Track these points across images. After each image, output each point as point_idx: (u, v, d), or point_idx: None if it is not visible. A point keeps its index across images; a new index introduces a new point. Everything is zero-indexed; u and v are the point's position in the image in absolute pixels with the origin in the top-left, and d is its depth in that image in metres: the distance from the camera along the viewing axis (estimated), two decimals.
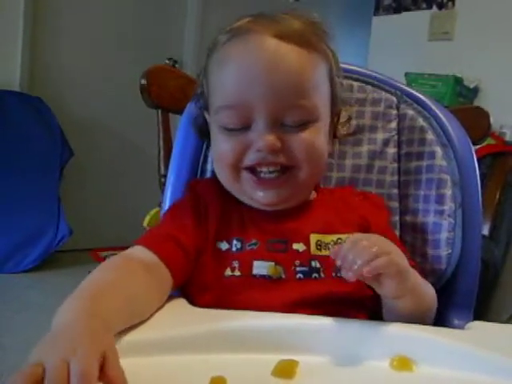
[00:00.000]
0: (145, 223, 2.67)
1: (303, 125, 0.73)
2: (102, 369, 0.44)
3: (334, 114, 0.80)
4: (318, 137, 0.74)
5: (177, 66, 3.71)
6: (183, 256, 0.71)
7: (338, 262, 0.62)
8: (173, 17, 3.70)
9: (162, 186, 1.04)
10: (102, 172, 3.50)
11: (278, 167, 0.73)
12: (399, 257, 0.64)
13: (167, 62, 3.66)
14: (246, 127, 0.72)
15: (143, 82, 1.03)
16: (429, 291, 0.75)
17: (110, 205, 3.54)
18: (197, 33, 3.73)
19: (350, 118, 0.85)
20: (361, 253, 0.60)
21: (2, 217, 2.90)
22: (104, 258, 2.59)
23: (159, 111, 1.07)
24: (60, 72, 3.28)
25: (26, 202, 2.96)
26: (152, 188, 3.41)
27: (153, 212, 2.70)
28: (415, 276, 0.69)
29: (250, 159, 0.72)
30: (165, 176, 1.04)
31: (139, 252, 0.69)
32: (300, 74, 0.72)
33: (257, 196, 0.74)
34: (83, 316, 0.51)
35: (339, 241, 0.76)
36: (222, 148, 0.75)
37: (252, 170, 0.73)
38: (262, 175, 0.73)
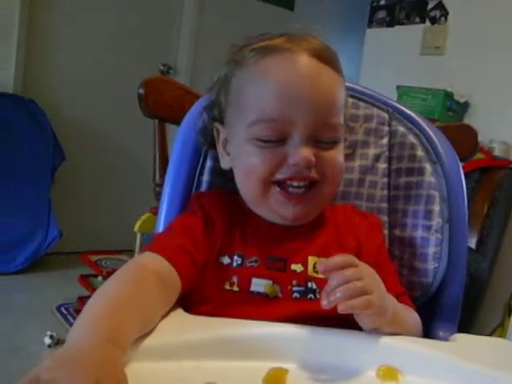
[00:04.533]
0: (136, 228, 2.69)
1: (332, 143, 0.75)
2: None
3: (345, 136, 0.82)
4: (340, 155, 0.77)
5: (171, 71, 3.73)
6: (194, 270, 0.72)
7: (322, 276, 0.63)
8: (168, 23, 3.72)
9: (157, 194, 1.06)
10: (93, 176, 3.50)
11: (307, 182, 0.74)
12: (379, 296, 0.64)
13: (161, 67, 3.68)
14: (281, 141, 0.73)
15: (141, 91, 1.04)
16: (410, 320, 0.76)
17: (101, 209, 3.55)
18: (192, 40, 3.75)
19: (345, 139, 0.86)
20: (345, 286, 0.61)
21: None
22: (94, 262, 2.59)
23: (156, 121, 1.08)
24: (54, 75, 3.28)
25: (16, 204, 2.96)
26: (143, 193, 3.43)
27: (144, 217, 2.71)
28: (395, 308, 0.70)
29: (282, 173, 0.73)
30: (160, 185, 1.06)
31: (155, 261, 0.68)
32: (334, 94, 0.75)
33: (284, 211, 0.75)
34: (102, 344, 0.50)
35: None
36: (253, 161, 0.74)
37: (280, 184, 0.74)
38: (291, 190, 0.74)
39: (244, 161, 0.76)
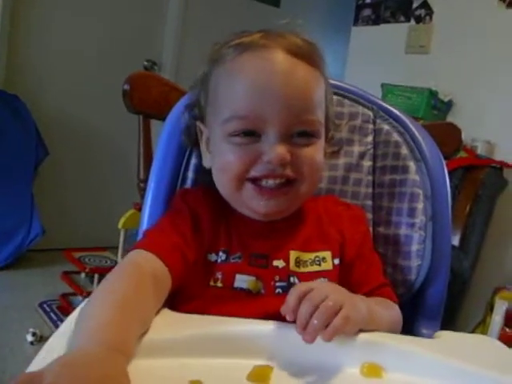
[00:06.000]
0: (120, 225, 2.68)
1: (308, 140, 0.74)
2: None
3: (327, 133, 0.82)
4: (319, 153, 0.77)
5: (155, 67, 3.71)
6: (185, 268, 0.71)
7: (289, 318, 0.62)
8: (153, 19, 3.70)
9: (141, 190, 1.05)
10: (77, 172, 3.48)
11: (284, 180, 0.73)
12: (351, 305, 0.63)
13: (146, 63, 3.66)
14: (255, 138, 0.72)
15: (126, 87, 1.03)
16: (387, 318, 0.75)
17: (85, 205, 3.52)
18: (177, 36, 3.73)
19: (332, 137, 0.86)
20: (316, 312, 0.60)
21: None
22: (78, 259, 2.58)
23: (140, 117, 1.07)
24: (37, 70, 3.25)
25: None
26: (127, 189, 3.42)
27: (128, 214, 2.70)
28: (369, 308, 0.69)
29: (257, 170, 0.73)
30: (144, 181, 1.05)
31: (149, 260, 0.68)
32: (309, 90, 0.74)
33: (256, 205, 0.75)
34: (109, 353, 0.50)
35: (316, 258, 0.78)
36: (228, 158, 0.74)
37: (254, 180, 0.74)
38: (264, 184, 0.73)
39: (220, 158, 0.76)
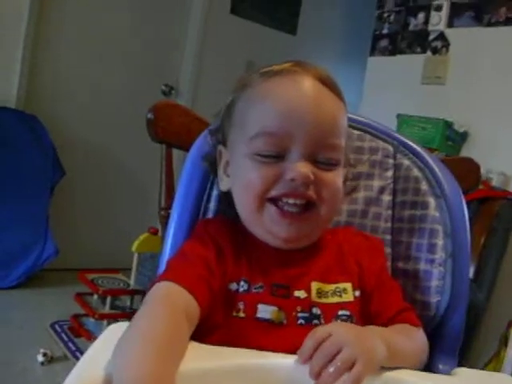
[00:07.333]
0: (133, 248, 2.69)
1: (331, 165, 0.75)
2: None
3: (345, 165, 0.82)
4: (339, 180, 0.77)
5: (173, 92, 3.75)
6: (211, 300, 0.71)
7: (303, 363, 0.62)
8: (172, 44, 3.75)
9: (162, 218, 1.07)
10: (92, 193, 3.51)
11: (304, 201, 0.73)
12: (364, 354, 0.61)
13: (163, 88, 3.71)
14: (279, 157, 0.73)
15: (150, 116, 1.05)
16: (410, 350, 0.74)
17: (99, 227, 3.55)
18: (194, 62, 3.78)
19: (346, 179, 0.86)
20: (329, 366, 0.59)
21: None
22: (91, 281, 2.58)
23: (163, 146, 1.09)
24: (56, 91, 3.30)
25: (13, 219, 2.96)
26: (142, 213, 3.46)
27: (142, 237, 2.72)
28: (390, 344, 0.68)
29: (279, 188, 0.73)
30: (165, 209, 1.06)
31: (180, 295, 0.67)
32: (336, 116, 0.76)
33: (277, 230, 0.75)
34: None
35: (337, 289, 0.78)
36: (250, 176, 0.74)
37: (275, 202, 0.74)
38: (286, 208, 0.73)
39: (242, 176, 0.77)
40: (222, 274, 0.75)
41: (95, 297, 2.61)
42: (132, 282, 2.70)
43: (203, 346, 0.65)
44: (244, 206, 0.78)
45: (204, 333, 0.70)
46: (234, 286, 0.76)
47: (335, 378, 0.59)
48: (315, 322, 0.74)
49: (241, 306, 0.74)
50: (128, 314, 2.48)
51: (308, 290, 0.76)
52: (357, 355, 0.60)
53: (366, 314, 0.79)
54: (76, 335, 2.49)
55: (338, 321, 0.75)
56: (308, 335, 0.63)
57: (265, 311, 0.73)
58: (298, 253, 0.79)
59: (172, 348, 0.58)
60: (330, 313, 0.75)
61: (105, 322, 2.47)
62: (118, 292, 2.62)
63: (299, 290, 0.76)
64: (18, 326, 2.52)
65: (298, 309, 0.75)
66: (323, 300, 0.76)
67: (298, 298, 0.76)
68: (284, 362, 0.64)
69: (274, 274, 0.77)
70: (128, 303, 2.62)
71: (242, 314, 0.73)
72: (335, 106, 0.77)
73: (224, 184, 0.84)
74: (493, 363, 2.24)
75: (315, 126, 0.73)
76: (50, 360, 2.20)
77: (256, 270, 0.77)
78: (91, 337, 2.41)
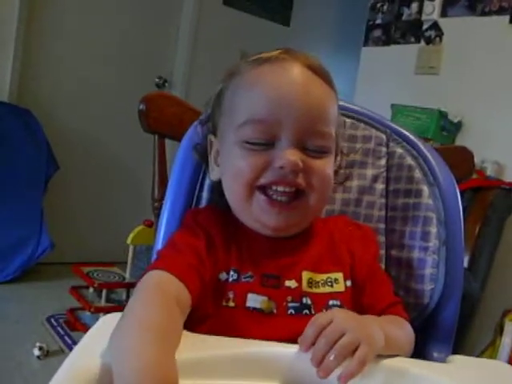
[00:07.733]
0: (128, 240, 2.69)
1: (320, 153, 0.75)
2: None
3: (336, 153, 0.82)
4: (329, 168, 0.77)
5: (166, 84, 3.74)
6: (202, 289, 0.71)
7: (305, 351, 0.61)
8: (165, 36, 3.74)
9: (155, 209, 1.06)
10: (87, 187, 3.50)
11: (293, 189, 0.73)
12: (368, 338, 0.62)
13: (157, 80, 3.70)
14: (268, 145, 0.73)
15: (142, 107, 1.04)
16: (403, 338, 0.74)
17: (94, 220, 3.54)
18: (188, 53, 3.77)
19: (339, 168, 0.86)
20: (332, 350, 0.59)
21: None
22: (86, 274, 2.58)
23: (156, 136, 1.09)
24: (50, 85, 3.29)
25: (8, 213, 2.95)
26: (137, 205, 3.45)
27: (137, 230, 2.72)
28: (386, 332, 0.67)
29: (268, 176, 0.72)
30: (158, 200, 1.06)
31: (172, 283, 0.67)
32: (326, 104, 0.76)
33: (265, 218, 0.74)
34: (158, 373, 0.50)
35: (328, 279, 0.78)
36: (239, 164, 0.74)
37: (265, 190, 0.74)
38: (275, 197, 0.73)
39: (231, 164, 0.76)
40: (212, 263, 0.75)
41: (91, 290, 2.61)
42: (127, 275, 2.70)
43: (196, 335, 0.65)
44: (233, 194, 0.78)
45: (194, 322, 0.69)
46: (223, 276, 0.75)
47: (338, 362, 0.59)
48: (305, 311, 0.74)
49: (231, 295, 0.73)
50: (124, 307, 2.48)
51: (299, 280, 0.76)
52: (360, 339, 0.61)
53: (357, 304, 0.78)
54: (72, 329, 2.49)
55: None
56: (309, 323, 0.63)
57: (254, 300, 0.73)
58: (289, 242, 0.78)
59: (169, 336, 0.58)
60: (321, 303, 0.75)
61: (101, 315, 2.47)
62: (114, 285, 2.61)
63: (290, 279, 0.76)
64: (13, 320, 2.51)
65: (289, 299, 0.74)
66: (314, 290, 0.76)
67: (289, 287, 0.75)
68: (283, 350, 0.64)
69: (265, 263, 0.76)
70: (124, 296, 2.62)
71: (231, 304, 0.73)
72: (324, 94, 0.76)
73: (215, 174, 0.84)
74: (488, 352, 2.25)
75: (304, 112, 0.72)
76: (46, 354, 2.20)
77: (246, 259, 0.76)
78: (87, 330, 2.40)
